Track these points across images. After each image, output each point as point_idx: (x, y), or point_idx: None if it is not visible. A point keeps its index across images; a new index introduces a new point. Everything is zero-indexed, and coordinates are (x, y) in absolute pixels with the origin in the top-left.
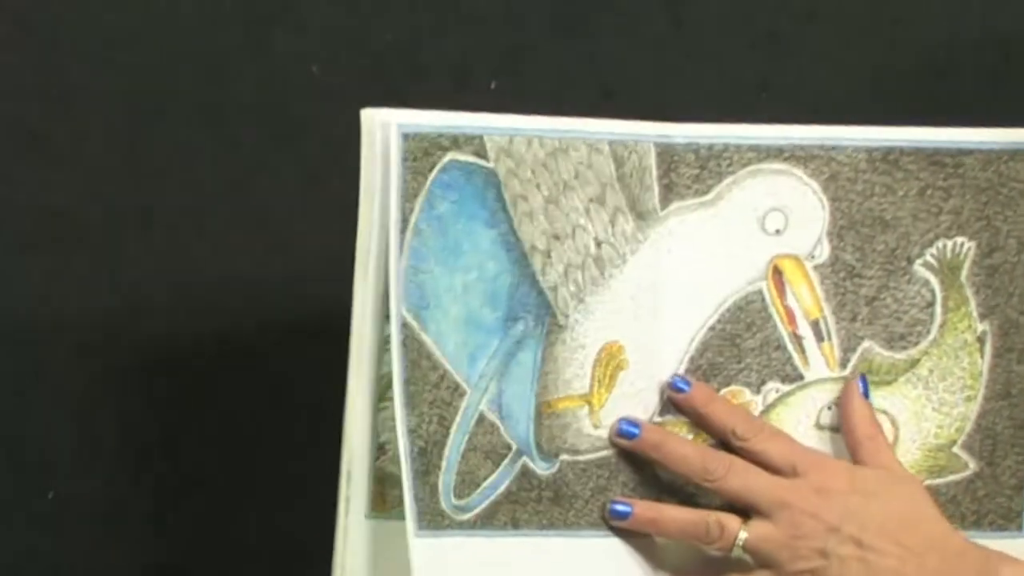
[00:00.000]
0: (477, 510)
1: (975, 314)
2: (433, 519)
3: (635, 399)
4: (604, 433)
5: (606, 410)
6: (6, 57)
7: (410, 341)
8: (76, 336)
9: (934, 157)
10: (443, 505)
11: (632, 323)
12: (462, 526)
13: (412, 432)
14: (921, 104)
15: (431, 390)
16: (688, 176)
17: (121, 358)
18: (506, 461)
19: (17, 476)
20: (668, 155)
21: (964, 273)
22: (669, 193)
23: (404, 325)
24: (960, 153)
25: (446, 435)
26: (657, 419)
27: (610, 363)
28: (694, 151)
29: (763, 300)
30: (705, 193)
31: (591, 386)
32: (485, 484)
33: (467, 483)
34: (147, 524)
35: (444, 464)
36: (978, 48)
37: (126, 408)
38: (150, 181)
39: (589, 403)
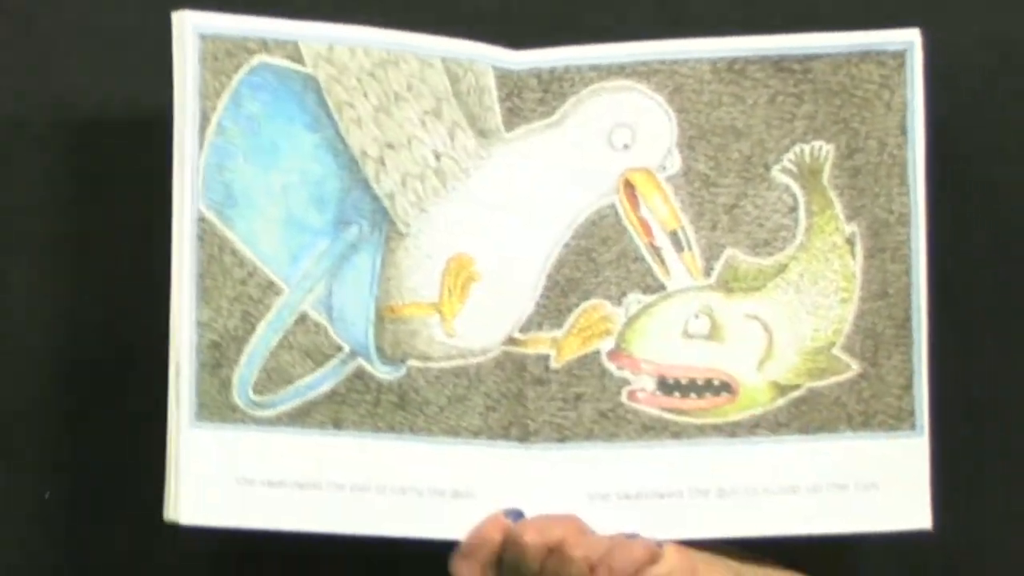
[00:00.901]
0: (284, 407)
1: (841, 216)
2: (219, 411)
3: (492, 312)
4: (459, 342)
5: (459, 320)
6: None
7: (209, 236)
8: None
9: (781, 64)
10: (236, 399)
11: (482, 238)
12: (260, 422)
13: (203, 325)
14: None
15: (235, 286)
16: (532, 100)
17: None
18: (334, 362)
19: (12, 476)
20: (510, 80)
21: (825, 176)
22: (514, 117)
23: (202, 220)
24: (808, 58)
25: (251, 331)
26: (518, 334)
27: (460, 273)
28: (536, 75)
29: (616, 214)
30: (550, 115)
31: (441, 295)
32: (301, 383)
33: (274, 380)
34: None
35: (243, 359)
36: None
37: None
38: None
39: (440, 312)
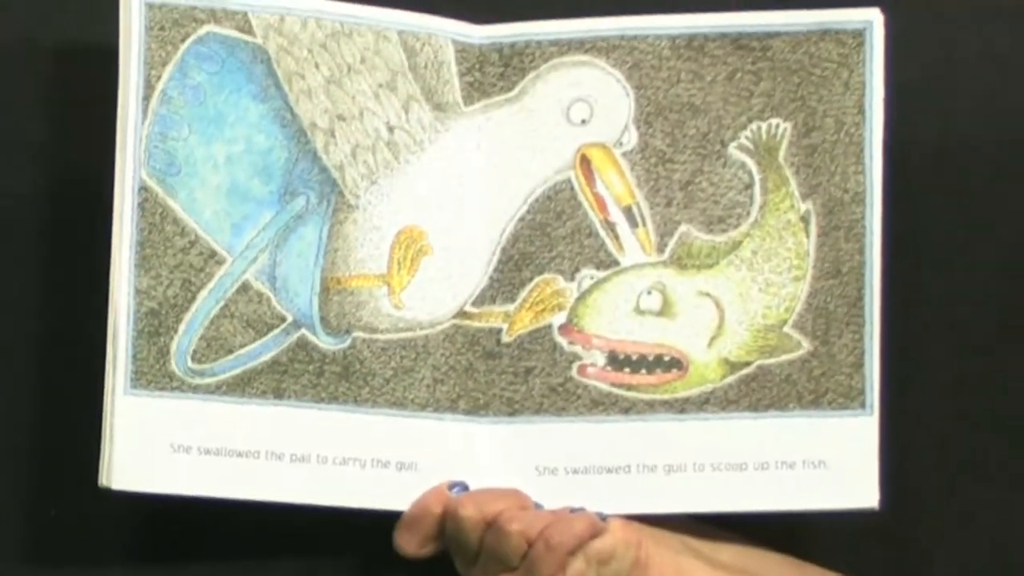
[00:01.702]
0: (224, 376)
1: (796, 194)
2: (155, 379)
3: (443, 286)
4: (407, 314)
5: (408, 293)
6: None
7: (150, 205)
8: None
9: (740, 41)
10: (174, 367)
11: (436, 211)
12: (198, 390)
13: (141, 293)
14: None
15: (176, 255)
16: (493, 75)
17: None
18: (276, 332)
19: (18, 493)
20: (470, 54)
21: (782, 154)
22: (474, 91)
23: (143, 188)
24: (767, 36)
25: (191, 299)
26: (470, 308)
27: (410, 247)
28: (497, 50)
29: (572, 188)
30: (510, 90)
31: (389, 267)
32: (241, 352)
33: (214, 348)
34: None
35: (182, 328)
36: None
37: None
38: None
39: (388, 284)
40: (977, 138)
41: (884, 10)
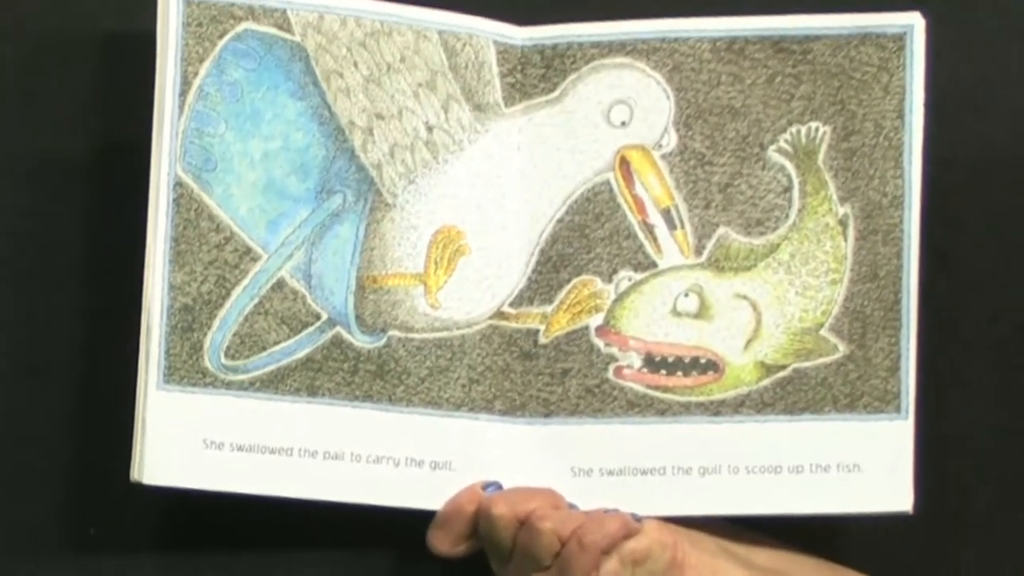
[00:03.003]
0: (257, 373)
1: (835, 197)
2: (188, 374)
3: (480, 286)
4: (443, 314)
5: (445, 293)
6: None
7: (185, 201)
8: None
9: (780, 44)
10: (207, 363)
11: (474, 211)
12: (231, 386)
13: (175, 288)
14: None
15: (211, 251)
16: (535, 76)
17: None
18: (310, 329)
19: (56, 512)
20: (512, 55)
21: (821, 157)
22: (515, 92)
23: (179, 184)
24: (807, 40)
25: (225, 296)
26: (507, 308)
27: (448, 246)
28: (539, 51)
29: (611, 190)
30: (551, 91)
31: (426, 267)
32: (275, 349)
33: (248, 345)
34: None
35: (216, 324)
36: None
37: None
38: None
39: (425, 283)
40: (1019, 148)
41: (926, 15)
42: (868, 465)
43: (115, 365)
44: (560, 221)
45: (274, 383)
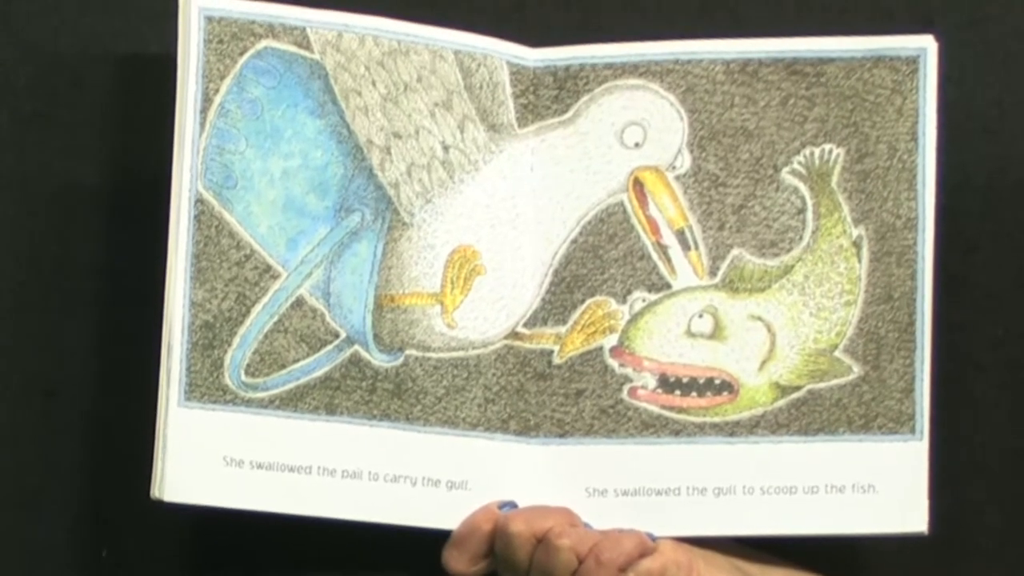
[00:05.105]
0: (277, 390)
1: (849, 219)
2: (209, 392)
3: (496, 306)
4: (460, 334)
5: (461, 312)
6: None
7: (206, 218)
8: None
9: (794, 67)
10: (228, 380)
11: (489, 231)
12: (251, 403)
13: (196, 305)
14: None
15: (231, 268)
16: (547, 97)
17: None
18: (329, 348)
19: (70, 533)
20: (525, 76)
21: (835, 179)
22: (528, 113)
23: (200, 201)
24: (820, 62)
25: (246, 313)
26: (522, 328)
27: (464, 266)
28: (551, 73)
29: (624, 211)
30: (564, 112)
31: (443, 286)
32: (295, 367)
33: (267, 363)
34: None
35: (236, 341)
36: None
37: None
38: None
39: (442, 303)
40: None
41: (939, 39)
42: (883, 486)
43: (131, 389)
44: (574, 242)
45: (293, 401)
